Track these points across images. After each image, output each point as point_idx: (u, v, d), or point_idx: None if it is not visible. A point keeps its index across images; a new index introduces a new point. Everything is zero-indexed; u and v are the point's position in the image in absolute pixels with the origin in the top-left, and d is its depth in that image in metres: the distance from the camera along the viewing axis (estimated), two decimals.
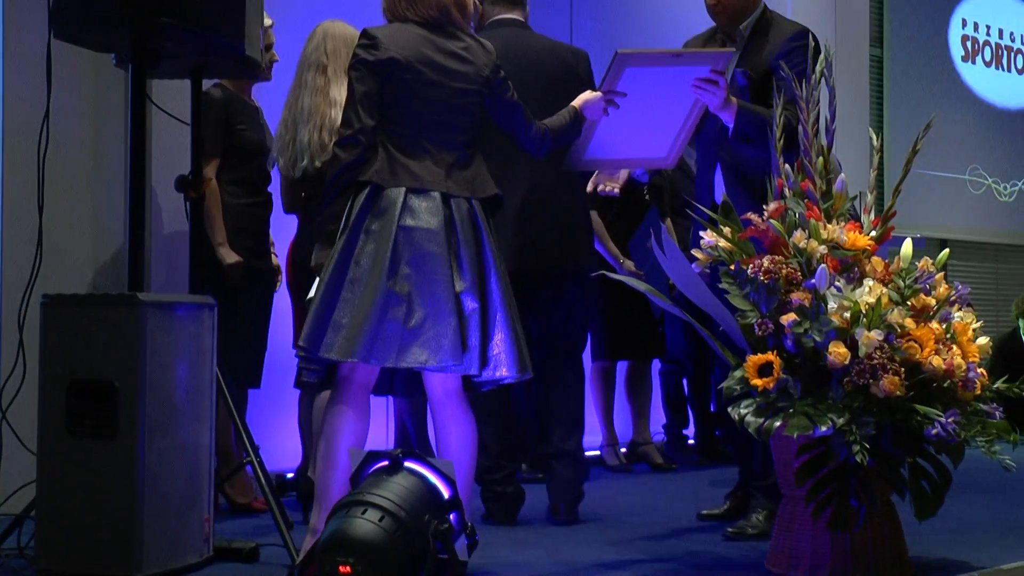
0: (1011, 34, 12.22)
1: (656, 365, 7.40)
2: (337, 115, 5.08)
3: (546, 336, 5.11)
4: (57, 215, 4.93)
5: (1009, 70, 12.18)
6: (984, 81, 11.89)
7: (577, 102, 4.37)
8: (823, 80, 4.09)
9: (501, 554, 4.29)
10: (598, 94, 4.42)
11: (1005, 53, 12.15)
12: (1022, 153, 12.06)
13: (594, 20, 8.05)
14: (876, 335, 3.67)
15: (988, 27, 11.98)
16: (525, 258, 4.90)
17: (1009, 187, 11.98)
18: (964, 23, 11.72)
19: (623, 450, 7.15)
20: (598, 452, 7.20)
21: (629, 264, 6.68)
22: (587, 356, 7.09)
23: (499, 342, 3.85)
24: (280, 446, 5.67)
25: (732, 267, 3.93)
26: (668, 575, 3.99)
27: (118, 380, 3.84)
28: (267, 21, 5.40)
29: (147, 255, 4.19)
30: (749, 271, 3.84)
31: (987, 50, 11.94)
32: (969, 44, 11.76)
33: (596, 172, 5.04)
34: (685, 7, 8.56)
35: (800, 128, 4.07)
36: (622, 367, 7.22)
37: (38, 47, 4.33)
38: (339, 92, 5.12)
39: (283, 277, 5.60)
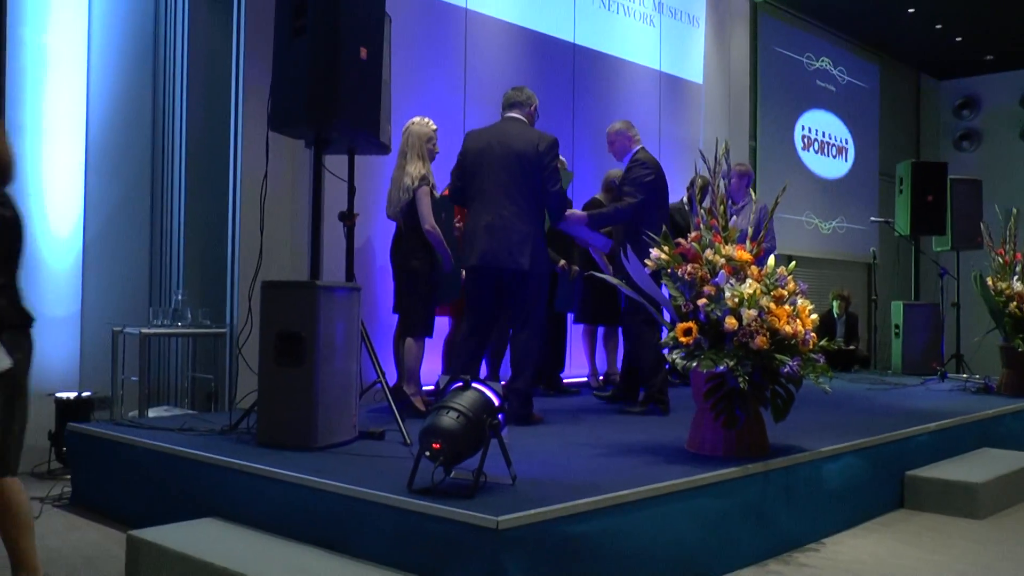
0: (829, 135, 12.13)
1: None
2: (408, 182, 5.12)
3: (508, 308, 4.92)
4: (271, 235, 4.94)
5: (828, 155, 12.09)
6: (814, 161, 11.80)
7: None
8: (726, 159, 4.04)
9: (516, 441, 4.27)
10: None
11: (826, 145, 12.05)
12: (834, 205, 12.00)
13: (587, 117, 7.99)
14: (753, 312, 3.63)
15: (817, 130, 11.88)
16: (488, 259, 4.78)
17: (828, 224, 11.89)
18: (803, 128, 11.63)
19: (600, 378, 7.10)
20: (585, 379, 7.15)
21: (563, 263, 6.56)
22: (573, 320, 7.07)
23: None
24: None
25: (669, 271, 3.89)
26: (618, 452, 3.94)
27: (304, 331, 3.84)
28: (434, 127, 5.38)
29: (321, 258, 4.17)
30: (679, 273, 3.81)
31: (816, 143, 11.83)
32: (806, 139, 11.66)
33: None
34: (637, 110, 8.52)
35: (710, 188, 4.03)
36: (601, 330, 7.16)
37: (261, 137, 4.33)
38: (413, 167, 5.15)
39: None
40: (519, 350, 4.86)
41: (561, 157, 5.71)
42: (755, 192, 4.27)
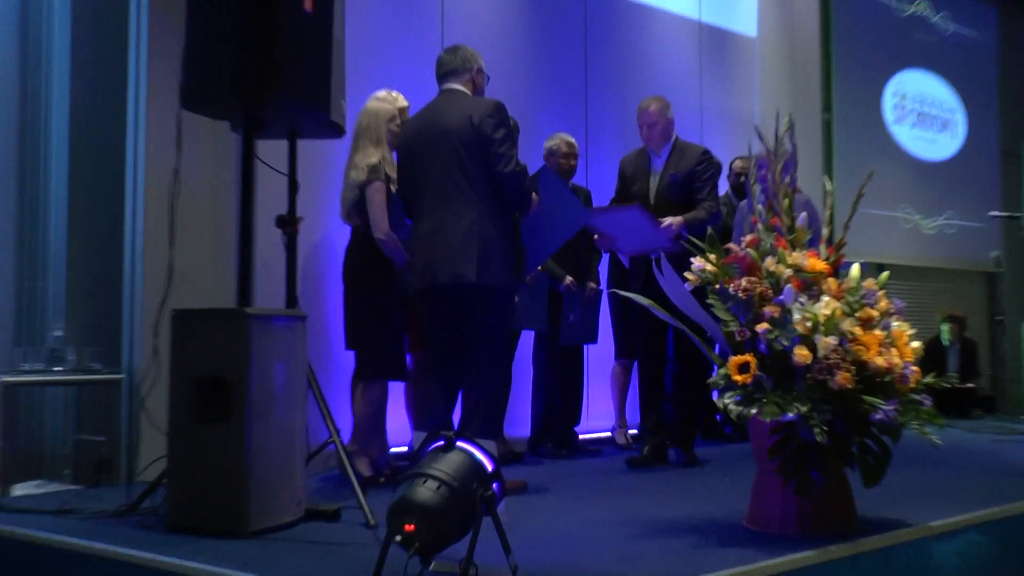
0: (931, 103, 12.17)
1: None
2: (355, 176, 5.17)
3: (459, 343, 4.92)
4: (183, 248, 4.94)
5: (930, 130, 12.13)
6: (912, 139, 11.84)
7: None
8: (790, 138, 4.06)
9: (529, 516, 4.26)
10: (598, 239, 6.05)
11: (927, 118, 12.09)
12: (940, 196, 12.02)
13: (604, 92, 8.03)
14: (832, 340, 3.64)
15: (914, 97, 11.93)
16: (428, 277, 4.82)
17: (931, 223, 11.92)
18: (895, 95, 11.68)
19: (631, 431, 7.10)
20: (609, 432, 7.17)
21: (570, 281, 6.61)
22: (610, 354, 7.10)
23: None
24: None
25: (717, 286, 3.91)
26: (656, 530, 3.93)
27: (230, 376, 3.84)
28: (404, 103, 5.48)
29: (252, 278, 4.17)
30: (731, 289, 3.82)
31: (912, 114, 11.88)
32: (899, 110, 11.71)
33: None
34: (670, 80, 8.57)
35: (769, 176, 4.05)
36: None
37: (170, 116, 4.34)
38: (362, 156, 5.21)
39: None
40: (472, 391, 4.89)
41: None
42: (829, 183, 4.29)
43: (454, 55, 5.12)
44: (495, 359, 4.89)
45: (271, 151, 4.70)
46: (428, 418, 4.80)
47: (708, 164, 6.09)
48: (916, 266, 11.61)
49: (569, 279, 6.56)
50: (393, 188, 5.31)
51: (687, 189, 6.01)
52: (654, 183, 6.08)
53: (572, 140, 6.79)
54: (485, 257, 4.78)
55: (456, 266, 4.76)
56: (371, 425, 5.33)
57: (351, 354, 5.56)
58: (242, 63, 3.94)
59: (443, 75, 5.12)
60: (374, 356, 5.31)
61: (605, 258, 7.02)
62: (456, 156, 4.86)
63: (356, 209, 5.32)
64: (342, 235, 5.75)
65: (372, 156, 5.28)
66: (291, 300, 4.49)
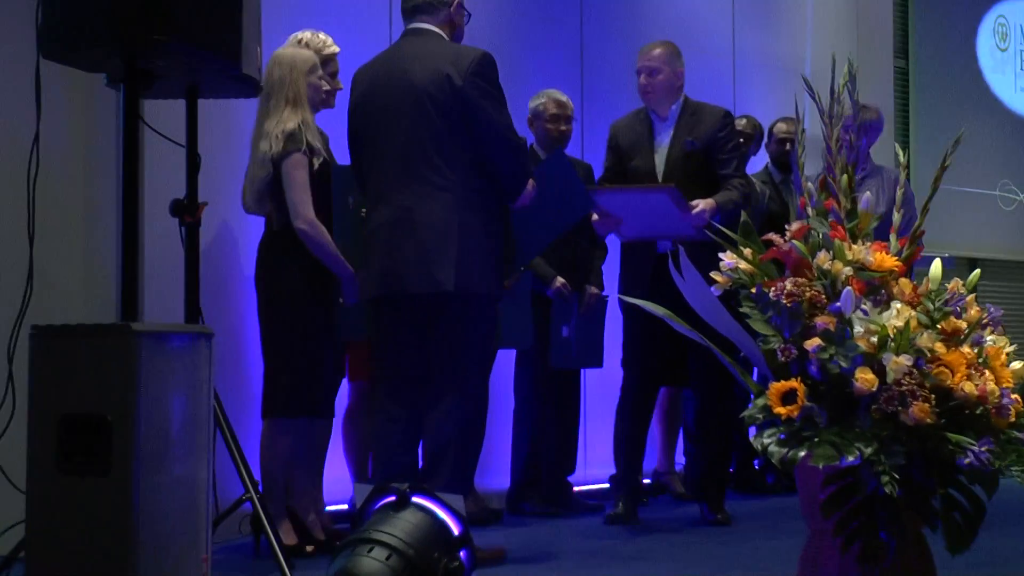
0: None
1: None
2: (266, 148, 5.18)
3: (431, 362, 4.98)
4: (48, 243, 4.95)
5: None
6: (1015, 92, 11.89)
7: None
8: (847, 94, 4.08)
9: None
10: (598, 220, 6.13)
11: None
12: None
13: (605, 32, 8.07)
14: (905, 360, 3.66)
15: (1019, 33, 11.98)
16: (391, 282, 4.87)
17: None
18: (996, 33, 11.72)
19: (646, 480, 7.15)
20: (607, 484, 7.21)
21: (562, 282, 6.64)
22: (614, 380, 7.14)
23: None
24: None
25: (753, 290, 3.93)
26: None
27: (111, 414, 3.83)
28: (333, 48, 5.49)
29: (141, 283, 4.18)
30: (771, 294, 3.84)
31: (1018, 58, 11.94)
32: (1000, 53, 11.76)
33: None
34: (694, 18, 8.61)
35: (824, 145, 4.08)
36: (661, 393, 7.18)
37: (26, 68, 4.34)
38: (274, 121, 5.21)
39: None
40: (436, 430, 4.90)
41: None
42: (902, 152, 4.32)
43: None
44: (468, 388, 4.93)
45: (163, 114, 4.70)
46: (384, 466, 4.83)
47: (732, 129, 6.15)
48: (1020, 261, 11.68)
49: (560, 280, 6.57)
50: (317, 162, 5.32)
51: (706, 162, 6.06)
52: (661, 155, 6.14)
53: (564, 99, 6.83)
54: (466, 258, 4.83)
55: (430, 270, 4.80)
56: (287, 476, 5.33)
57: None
58: None
59: (411, 9, 5.11)
60: (285, 386, 5.29)
61: (612, 255, 7.02)
62: (427, 122, 4.89)
63: (269, 192, 5.30)
64: (257, 225, 5.76)
65: (288, 121, 5.27)
66: (192, 312, 4.50)
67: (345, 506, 5.88)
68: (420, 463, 4.97)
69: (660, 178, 6.08)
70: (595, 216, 6.08)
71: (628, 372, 6.31)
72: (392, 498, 3.26)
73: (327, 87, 5.51)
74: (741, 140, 7.26)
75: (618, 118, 6.48)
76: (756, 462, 7.52)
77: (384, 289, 4.88)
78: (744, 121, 7.62)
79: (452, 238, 4.81)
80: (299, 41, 5.59)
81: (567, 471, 6.83)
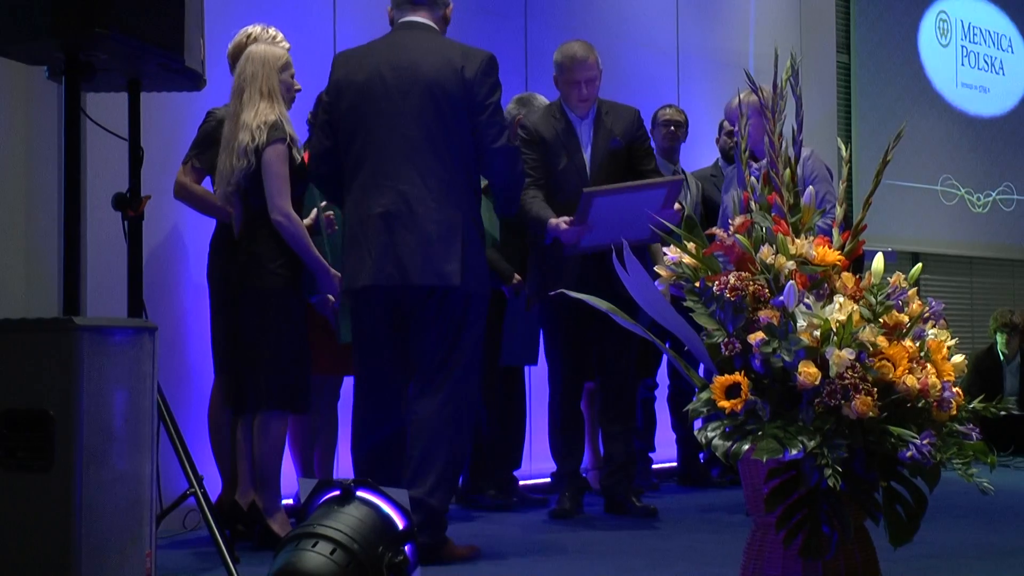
0: (986, 38, 12.32)
1: None
2: (245, 139, 5.16)
3: (419, 360, 4.99)
4: None
5: (985, 72, 12.28)
6: (959, 89, 11.98)
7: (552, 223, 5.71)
8: (789, 89, 4.10)
9: None
10: (569, 228, 5.73)
11: (981, 59, 12.25)
12: (996, 162, 12.16)
13: (549, 28, 8.08)
14: (847, 354, 3.68)
15: (965, 29, 12.07)
16: (389, 275, 4.84)
17: (983, 197, 12.08)
18: (938, 28, 11.81)
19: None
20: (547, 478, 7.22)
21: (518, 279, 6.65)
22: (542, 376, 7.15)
23: None
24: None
25: (697, 284, 3.94)
26: None
27: (52, 409, 3.81)
28: (284, 44, 5.51)
29: (83, 278, 4.17)
30: (715, 288, 3.86)
31: (964, 55, 12.03)
32: (942, 47, 11.85)
33: None
34: (637, 14, 8.63)
35: (766, 139, 4.10)
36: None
37: None
38: (252, 113, 5.20)
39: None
40: (427, 429, 4.89)
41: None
42: (843, 144, 4.35)
43: None
44: (466, 388, 4.96)
45: (105, 107, 4.68)
46: (363, 459, 4.84)
47: (645, 129, 6.26)
48: (962, 255, 11.77)
49: (517, 277, 6.58)
50: (298, 156, 5.31)
51: (627, 159, 6.12)
52: (587, 152, 6.16)
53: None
54: (470, 254, 4.86)
55: (435, 263, 4.80)
56: (276, 469, 5.34)
57: (212, 378, 5.58)
58: None
59: (408, 1, 5.10)
60: (275, 378, 5.28)
61: None
62: (440, 117, 4.88)
63: (249, 184, 5.27)
64: (201, 223, 5.73)
65: (268, 113, 5.24)
66: (135, 307, 4.48)
67: (290, 501, 5.87)
68: (405, 458, 4.97)
69: (589, 176, 6.09)
70: (562, 225, 5.88)
71: (554, 368, 6.34)
72: (336, 492, 3.26)
73: (298, 86, 5.49)
74: (672, 128, 7.35)
75: (526, 114, 6.49)
76: (701, 456, 7.56)
77: (380, 279, 4.83)
78: (672, 109, 7.64)
79: (458, 233, 4.83)
80: (248, 35, 5.57)
81: (513, 465, 6.84)
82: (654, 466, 7.72)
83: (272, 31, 5.63)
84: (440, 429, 4.86)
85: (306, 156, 5.44)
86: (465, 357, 4.93)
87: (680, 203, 6.06)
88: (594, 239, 5.82)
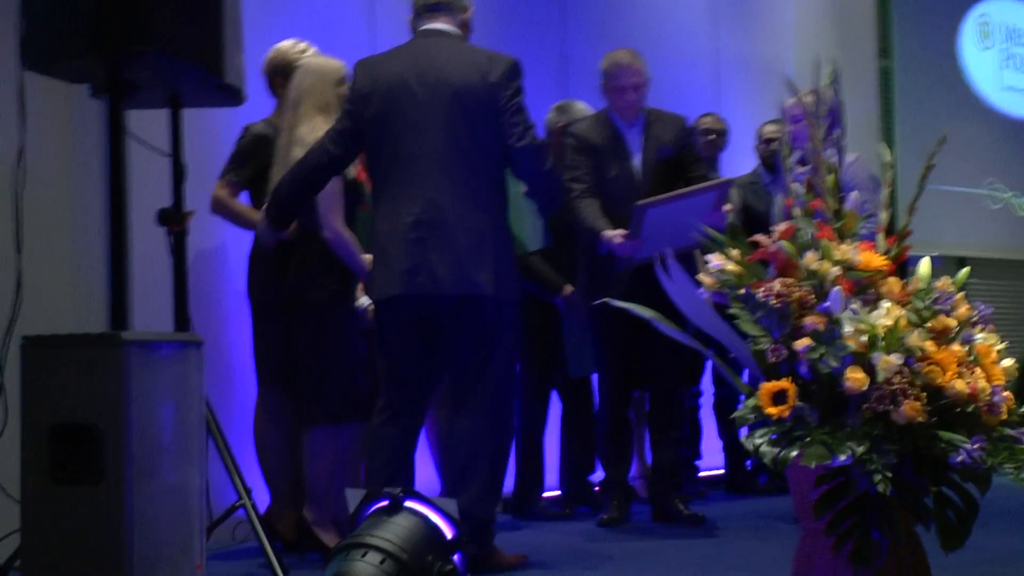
0: None
1: None
2: (300, 153, 5.17)
3: (454, 370, 5.01)
4: (35, 254, 4.94)
5: None
6: (1003, 91, 11.94)
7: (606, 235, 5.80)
8: (834, 90, 4.10)
9: None
10: (623, 243, 5.78)
11: (1022, 61, 12.20)
12: None
13: (586, 38, 8.09)
14: (895, 359, 3.67)
15: (1008, 32, 12.02)
16: (421, 284, 4.82)
17: None
18: (980, 30, 11.76)
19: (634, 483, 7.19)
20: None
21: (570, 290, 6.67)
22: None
23: None
24: None
25: (742, 291, 3.94)
26: None
27: (102, 423, 3.84)
28: (337, 60, 5.52)
29: (129, 292, 4.19)
30: (759, 295, 3.85)
31: (1007, 57, 11.99)
32: (984, 50, 11.81)
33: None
34: (675, 22, 8.63)
35: (809, 145, 4.10)
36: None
37: (10, 80, 4.34)
38: (308, 128, 5.21)
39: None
40: (470, 441, 4.91)
41: None
42: (887, 151, 4.34)
43: None
44: (503, 396, 4.97)
45: (148, 124, 4.71)
46: (378, 469, 4.83)
47: (694, 135, 6.29)
48: (1009, 259, 11.71)
49: (570, 288, 6.60)
50: (351, 171, 5.33)
51: (676, 167, 6.13)
52: (637, 160, 6.16)
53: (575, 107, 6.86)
54: (501, 262, 4.86)
55: (466, 271, 4.79)
56: (329, 483, 5.36)
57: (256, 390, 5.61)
58: (103, 4, 3.95)
59: (427, 8, 5.08)
60: (330, 391, 5.32)
61: None
62: (468, 124, 4.88)
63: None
64: (242, 234, 5.76)
65: (323, 127, 5.25)
66: (181, 321, 4.51)
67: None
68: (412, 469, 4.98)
69: (639, 184, 6.10)
70: (616, 239, 5.90)
71: (605, 376, 6.36)
72: (385, 502, 3.27)
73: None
74: (712, 137, 7.36)
75: (575, 122, 6.50)
76: (748, 463, 7.55)
77: (413, 288, 4.82)
78: (711, 118, 7.65)
79: (488, 240, 4.82)
80: (278, 51, 5.63)
81: (589, 471, 6.91)
82: (701, 474, 7.73)
83: (303, 45, 5.66)
84: (481, 438, 4.87)
85: (360, 172, 5.45)
86: (501, 365, 4.93)
87: (730, 202, 6.08)
88: (648, 250, 5.77)
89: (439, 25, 5.06)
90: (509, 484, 6.88)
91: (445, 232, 4.81)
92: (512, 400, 5.06)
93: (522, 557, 5.03)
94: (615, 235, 5.83)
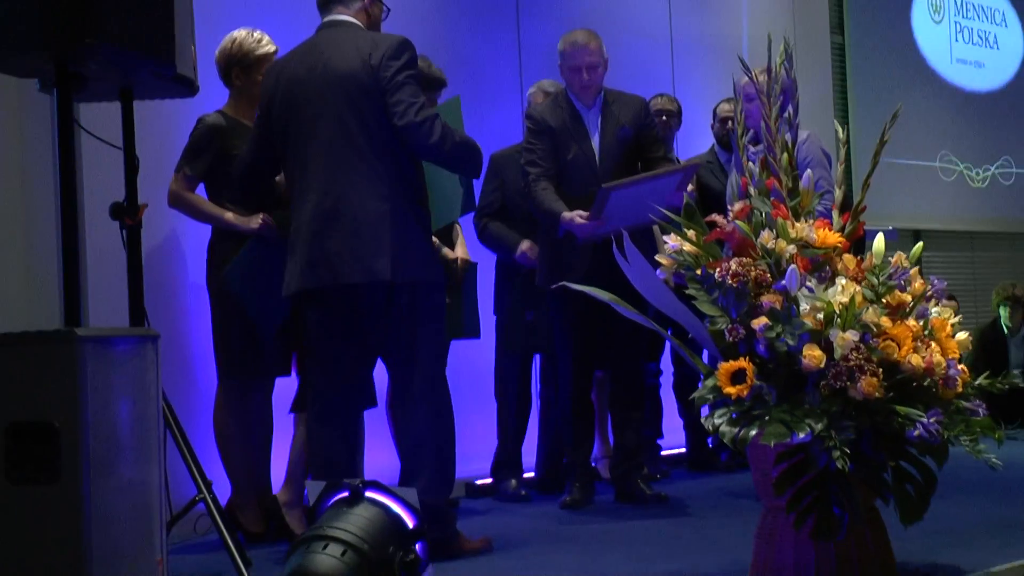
0: (981, 12, 12.31)
1: None
2: None
3: (384, 358, 5.01)
4: None
5: (980, 47, 12.27)
6: (954, 65, 11.97)
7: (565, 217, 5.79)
8: (786, 67, 4.10)
9: None
10: (584, 223, 5.76)
11: (976, 34, 12.24)
12: (993, 137, 12.15)
13: (541, 21, 8.07)
14: (851, 335, 3.68)
15: (959, 5, 12.06)
16: (320, 274, 4.80)
17: (981, 172, 12.08)
18: (930, 3, 11.81)
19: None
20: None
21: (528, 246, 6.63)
22: None
23: None
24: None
25: (699, 272, 3.94)
26: None
27: (58, 420, 3.80)
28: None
29: (84, 288, 4.16)
30: (716, 275, 3.85)
31: (958, 30, 12.03)
32: (935, 24, 11.84)
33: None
34: (629, 3, 8.63)
35: (763, 124, 4.10)
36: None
37: None
38: None
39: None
40: (412, 431, 4.92)
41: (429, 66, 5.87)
42: (839, 126, 4.35)
43: None
44: (433, 381, 4.92)
45: (99, 117, 4.67)
46: (320, 462, 4.82)
47: (652, 115, 6.27)
48: (962, 231, 11.77)
49: (527, 243, 6.56)
50: None
51: (635, 148, 6.12)
52: (595, 142, 6.15)
53: (551, 88, 6.81)
54: (403, 247, 4.78)
55: (365, 260, 4.75)
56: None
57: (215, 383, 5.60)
58: None
59: (326, 2, 5.08)
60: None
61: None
62: (354, 110, 4.84)
63: None
64: (197, 226, 5.73)
65: None
66: (137, 315, 4.48)
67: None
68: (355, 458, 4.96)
69: (598, 165, 6.08)
70: (577, 219, 5.86)
71: (564, 357, 6.34)
72: (345, 493, 3.26)
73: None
74: (664, 117, 7.33)
75: (534, 105, 6.49)
76: (709, 441, 7.54)
77: (313, 281, 4.80)
78: (664, 99, 7.63)
79: (385, 226, 4.77)
80: (234, 40, 5.58)
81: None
82: (662, 453, 7.73)
83: (258, 34, 5.63)
84: (421, 427, 4.87)
85: None
86: (425, 351, 4.90)
87: (692, 183, 6.12)
88: (608, 227, 5.74)
89: (336, 16, 5.06)
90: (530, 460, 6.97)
91: (341, 222, 4.79)
92: (444, 383, 5.01)
93: (487, 541, 5.02)
94: (574, 215, 5.81)
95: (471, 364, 6.85)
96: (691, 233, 3.99)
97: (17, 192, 5.58)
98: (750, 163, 4.08)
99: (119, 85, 4.48)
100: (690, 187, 5.89)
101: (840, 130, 4.27)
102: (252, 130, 5.19)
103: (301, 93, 4.92)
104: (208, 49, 5.44)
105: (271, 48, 5.58)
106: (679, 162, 7.07)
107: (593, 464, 6.69)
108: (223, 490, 5.41)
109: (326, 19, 5.07)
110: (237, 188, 5.33)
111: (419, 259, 4.85)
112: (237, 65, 5.62)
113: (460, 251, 6.25)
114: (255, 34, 5.61)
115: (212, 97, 5.58)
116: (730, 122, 7.37)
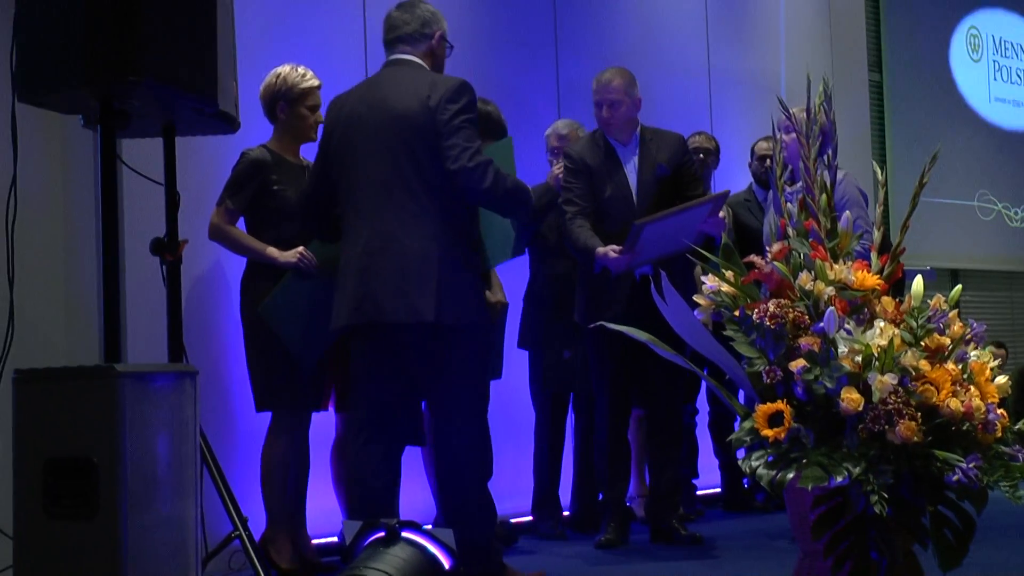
0: (1018, 51, 12.29)
1: None
2: None
3: (427, 398, 5.05)
4: (28, 285, 4.92)
5: (1019, 86, 12.25)
6: (992, 103, 11.95)
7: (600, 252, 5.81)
8: (826, 108, 4.08)
9: None
10: (618, 257, 5.78)
11: (1011, 73, 12.21)
12: None
13: (579, 56, 8.09)
14: (890, 379, 3.65)
15: (998, 43, 12.04)
16: (366, 311, 4.81)
17: (1020, 211, 12.03)
18: (968, 42, 11.78)
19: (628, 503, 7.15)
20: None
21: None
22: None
23: None
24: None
25: (736, 313, 3.92)
26: None
27: (96, 456, 3.82)
28: (314, 82, 5.55)
29: (123, 323, 4.17)
30: (754, 316, 3.84)
31: (996, 68, 12.01)
32: (973, 63, 11.82)
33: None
34: (667, 39, 8.63)
35: (801, 164, 4.08)
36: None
37: (2, 112, 4.33)
38: None
39: None
40: (448, 471, 4.94)
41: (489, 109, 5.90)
42: (878, 166, 4.32)
43: (410, 14, 5.08)
44: (474, 422, 4.94)
45: (141, 153, 4.69)
46: (360, 496, 4.81)
47: (691, 153, 6.28)
48: (1000, 270, 11.72)
49: (602, 248, 6.57)
50: None
51: (673, 186, 6.12)
52: (632, 179, 6.15)
53: (566, 131, 6.82)
54: (449, 288, 4.78)
55: (410, 299, 4.75)
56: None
57: (260, 418, 5.58)
58: (95, 36, 3.92)
59: (393, 40, 5.10)
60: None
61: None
62: (408, 150, 4.85)
63: None
64: (238, 260, 5.75)
65: None
66: (175, 351, 4.49)
67: (335, 539, 5.86)
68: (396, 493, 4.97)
69: (635, 202, 6.09)
70: (611, 254, 5.88)
71: (601, 396, 6.33)
72: (382, 533, 3.25)
73: (321, 119, 5.53)
74: (702, 156, 7.33)
75: (572, 144, 6.49)
76: (745, 481, 7.53)
77: (359, 317, 4.81)
78: (702, 137, 7.63)
79: (432, 266, 4.77)
80: (278, 76, 5.62)
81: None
82: (698, 492, 7.70)
83: (302, 69, 5.67)
84: (458, 467, 4.90)
85: None
86: (463, 393, 4.91)
87: (724, 210, 6.13)
88: (641, 258, 5.85)
89: (401, 55, 5.08)
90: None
91: (388, 259, 4.80)
92: (484, 423, 5.04)
93: (541, 575, 5.04)
94: (608, 250, 5.82)
95: (497, 400, 6.85)
96: (729, 274, 3.97)
97: (60, 227, 5.60)
98: (788, 204, 4.06)
99: (161, 121, 4.51)
100: (726, 220, 5.88)
101: (879, 171, 4.25)
102: (314, 163, 5.23)
103: (358, 130, 4.95)
104: (249, 86, 5.46)
105: (315, 82, 5.62)
106: None
107: (628, 503, 6.67)
108: (258, 523, 5.41)
109: (391, 57, 5.10)
110: (298, 221, 5.36)
111: (465, 301, 4.85)
112: (282, 99, 5.66)
113: (498, 294, 6.24)
114: (299, 69, 5.64)
115: (253, 134, 5.61)
116: (768, 160, 7.36)
